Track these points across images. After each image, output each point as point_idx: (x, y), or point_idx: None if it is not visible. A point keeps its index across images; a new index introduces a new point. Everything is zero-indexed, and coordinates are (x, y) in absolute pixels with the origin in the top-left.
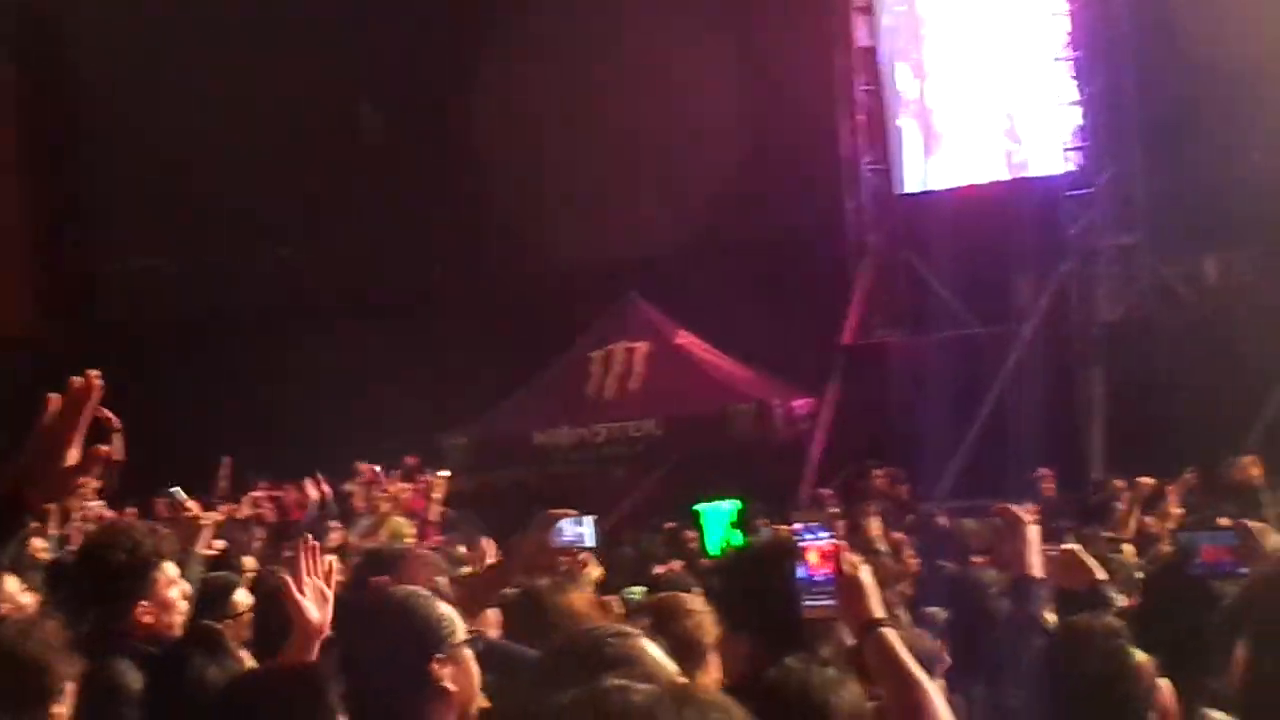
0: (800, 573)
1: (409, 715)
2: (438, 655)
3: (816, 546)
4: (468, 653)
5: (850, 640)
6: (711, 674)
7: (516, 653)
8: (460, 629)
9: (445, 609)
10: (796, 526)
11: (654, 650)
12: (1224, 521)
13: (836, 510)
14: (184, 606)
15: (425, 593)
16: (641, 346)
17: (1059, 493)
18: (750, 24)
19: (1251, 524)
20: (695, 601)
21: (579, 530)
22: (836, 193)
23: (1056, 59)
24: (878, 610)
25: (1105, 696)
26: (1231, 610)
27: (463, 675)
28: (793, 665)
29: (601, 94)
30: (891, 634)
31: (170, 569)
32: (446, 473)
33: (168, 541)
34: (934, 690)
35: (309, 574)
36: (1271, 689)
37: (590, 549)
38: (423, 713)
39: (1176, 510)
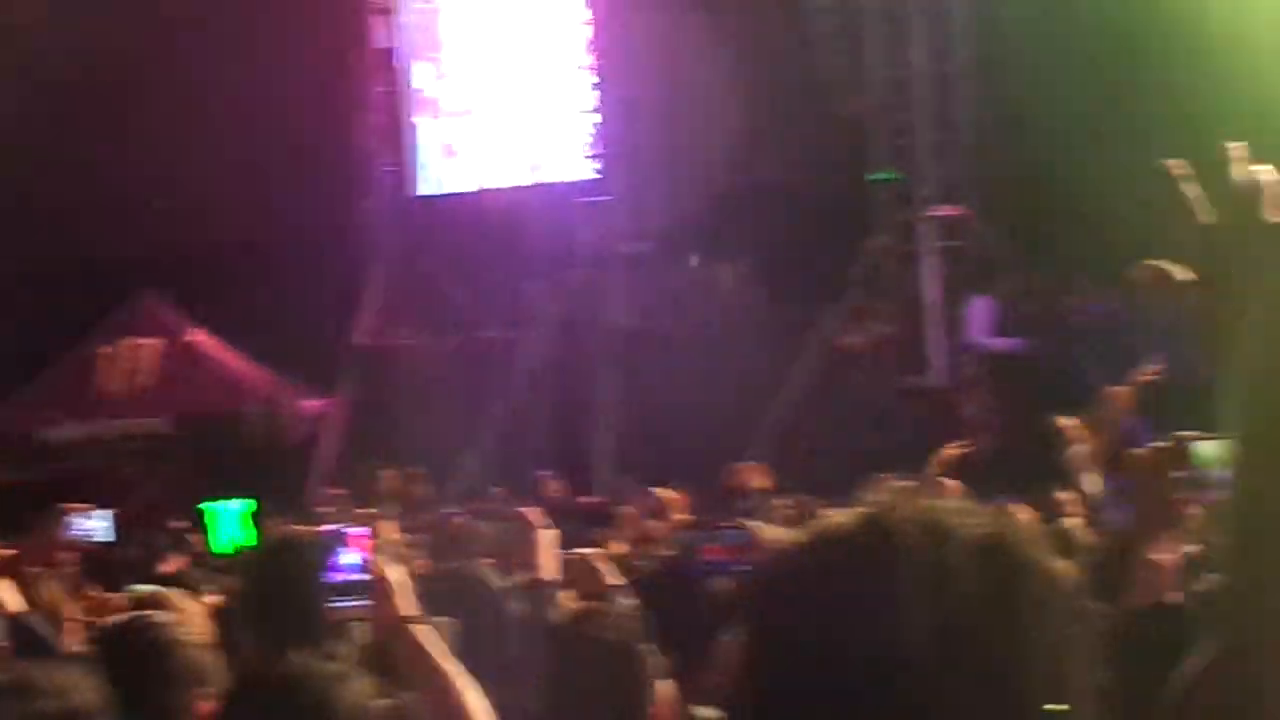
0: (332, 572)
1: None
2: None
3: (350, 545)
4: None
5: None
6: None
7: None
8: None
9: None
10: (329, 526)
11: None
12: (726, 523)
13: (354, 511)
14: None
15: None
16: (152, 344)
17: (568, 496)
18: (265, 22)
19: (752, 523)
20: (185, 601)
21: (94, 525)
22: (351, 194)
23: (579, 67)
24: (409, 608)
25: (607, 687)
26: (728, 605)
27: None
28: (295, 661)
29: (121, 90)
30: (423, 631)
31: None
32: None
33: None
34: (469, 686)
35: None
36: (769, 682)
37: (109, 544)
38: None
39: (681, 515)
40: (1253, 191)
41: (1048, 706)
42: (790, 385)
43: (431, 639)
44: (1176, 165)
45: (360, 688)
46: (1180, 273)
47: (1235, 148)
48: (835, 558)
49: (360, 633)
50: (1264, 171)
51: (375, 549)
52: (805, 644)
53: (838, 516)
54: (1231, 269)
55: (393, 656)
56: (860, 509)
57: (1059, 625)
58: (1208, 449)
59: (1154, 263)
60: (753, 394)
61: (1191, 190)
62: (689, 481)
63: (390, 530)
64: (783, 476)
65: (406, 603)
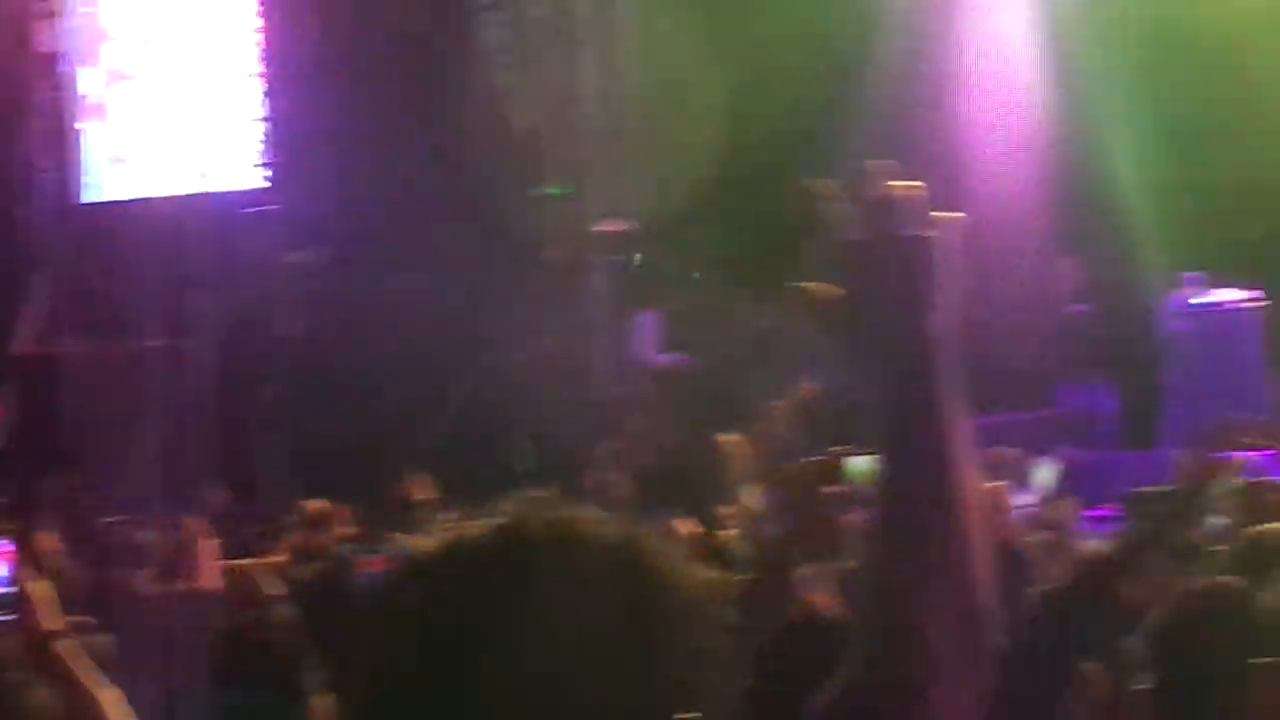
0: None
1: None
2: None
3: None
4: None
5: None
6: None
7: None
8: None
9: None
10: None
11: None
12: (387, 536)
13: (9, 523)
14: None
15: None
16: None
17: (231, 506)
18: None
19: (404, 535)
20: None
21: None
22: (12, 200)
23: (250, 74)
24: (54, 623)
25: (265, 696)
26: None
27: None
28: None
29: None
30: (68, 645)
31: None
32: None
33: None
34: (111, 702)
35: None
36: (398, 689)
37: None
38: None
39: (343, 528)
40: (887, 207)
41: (679, 716)
42: (456, 398)
43: (75, 653)
44: (819, 185)
45: (43, 696)
46: (830, 291)
47: (876, 164)
48: (465, 566)
49: (6, 646)
50: (901, 187)
51: (21, 561)
52: (434, 652)
53: (472, 526)
54: (870, 284)
55: (38, 670)
56: (494, 518)
57: (693, 635)
58: (861, 465)
59: (807, 283)
60: (420, 406)
61: (839, 209)
62: (354, 493)
63: (48, 541)
64: (447, 489)
65: (51, 617)
